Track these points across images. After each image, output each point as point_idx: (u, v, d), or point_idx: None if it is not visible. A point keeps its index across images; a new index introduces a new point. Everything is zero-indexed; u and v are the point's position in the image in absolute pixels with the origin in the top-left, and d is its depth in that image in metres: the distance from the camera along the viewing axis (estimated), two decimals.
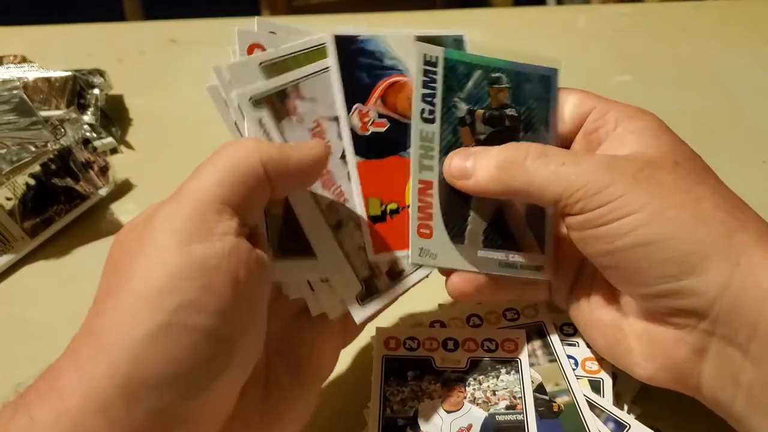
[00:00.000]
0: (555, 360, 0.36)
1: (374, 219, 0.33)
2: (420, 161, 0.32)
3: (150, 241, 0.25)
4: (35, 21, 0.82)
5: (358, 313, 0.32)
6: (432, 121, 0.33)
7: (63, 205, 0.51)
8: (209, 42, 0.77)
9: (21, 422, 0.23)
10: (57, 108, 0.57)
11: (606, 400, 0.34)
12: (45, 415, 0.23)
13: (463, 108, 0.34)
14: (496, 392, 0.35)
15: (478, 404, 0.34)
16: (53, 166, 0.51)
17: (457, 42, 0.35)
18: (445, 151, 0.33)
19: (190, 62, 0.74)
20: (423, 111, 0.33)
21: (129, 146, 0.62)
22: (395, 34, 0.34)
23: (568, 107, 0.35)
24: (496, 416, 0.34)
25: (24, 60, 0.64)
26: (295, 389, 0.32)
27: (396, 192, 0.33)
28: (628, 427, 0.33)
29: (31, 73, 0.61)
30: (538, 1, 1.62)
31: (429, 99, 0.33)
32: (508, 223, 0.34)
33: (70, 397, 0.23)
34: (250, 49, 0.31)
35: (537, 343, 0.37)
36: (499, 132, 0.34)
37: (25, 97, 0.54)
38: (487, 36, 0.79)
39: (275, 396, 0.31)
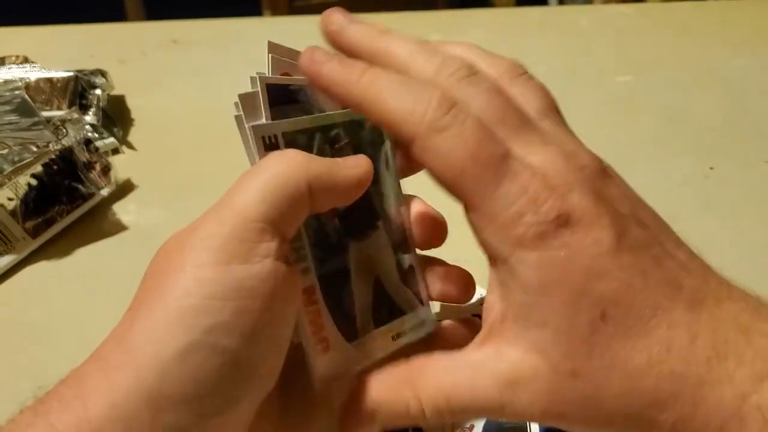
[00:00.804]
0: None
1: None
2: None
3: (188, 257, 0.24)
4: (37, 21, 0.82)
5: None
6: None
7: (65, 206, 0.51)
8: (211, 42, 0.77)
9: (40, 428, 0.22)
10: (59, 108, 0.57)
11: None
12: (65, 422, 0.22)
13: None
14: None
15: None
16: (55, 167, 0.51)
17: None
18: (314, 244, 0.28)
19: (192, 62, 0.74)
20: None
21: (131, 146, 0.62)
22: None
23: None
24: None
25: (26, 60, 0.64)
26: (309, 408, 0.31)
27: None
28: None
29: (33, 74, 0.61)
30: (539, 2, 1.62)
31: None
32: (385, 286, 0.31)
33: (94, 406, 0.22)
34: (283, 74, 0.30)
35: None
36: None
37: (27, 97, 0.54)
38: (488, 36, 0.79)
39: (291, 414, 0.31)
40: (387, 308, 0.31)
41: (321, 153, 0.30)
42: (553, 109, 0.28)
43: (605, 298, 0.23)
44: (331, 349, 0.28)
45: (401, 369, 0.27)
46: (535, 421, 0.27)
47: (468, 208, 0.25)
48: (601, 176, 0.25)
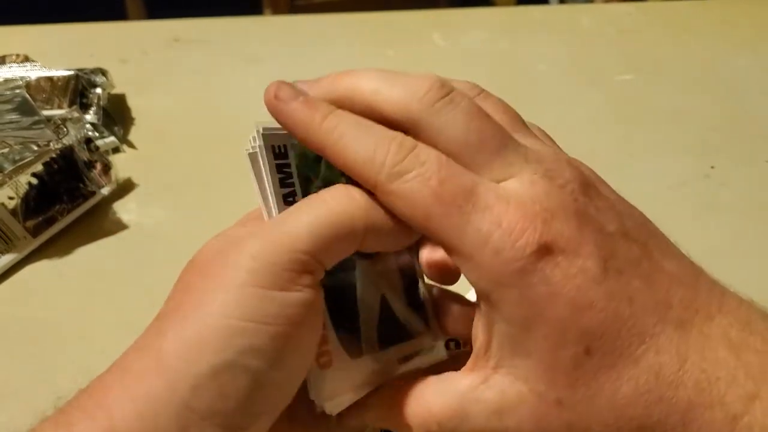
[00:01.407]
0: None
1: None
2: None
3: (231, 275, 0.24)
4: (38, 20, 0.82)
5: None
6: None
7: (65, 205, 0.51)
8: (212, 41, 0.77)
9: None
10: (59, 107, 0.57)
11: None
12: None
13: None
14: None
15: None
16: (56, 166, 0.51)
17: None
18: None
19: (193, 61, 0.74)
20: None
21: (131, 145, 0.62)
22: None
23: None
24: None
25: (26, 59, 0.64)
26: (310, 419, 0.31)
27: None
28: None
29: (33, 73, 0.61)
30: (541, 0, 1.62)
31: (290, 198, 0.27)
32: (392, 308, 0.30)
33: (121, 418, 0.22)
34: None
35: None
36: None
37: (27, 96, 0.54)
38: (489, 35, 0.79)
39: (298, 423, 0.31)
40: (394, 329, 0.30)
41: (329, 170, 0.29)
42: (521, 122, 0.27)
43: (590, 332, 0.22)
44: (334, 363, 0.27)
45: (394, 391, 0.27)
46: None
47: (444, 248, 0.24)
48: (583, 191, 0.24)
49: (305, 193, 0.27)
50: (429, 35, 0.79)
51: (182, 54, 0.76)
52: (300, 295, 0.24)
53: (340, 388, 0.28)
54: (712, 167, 0.56)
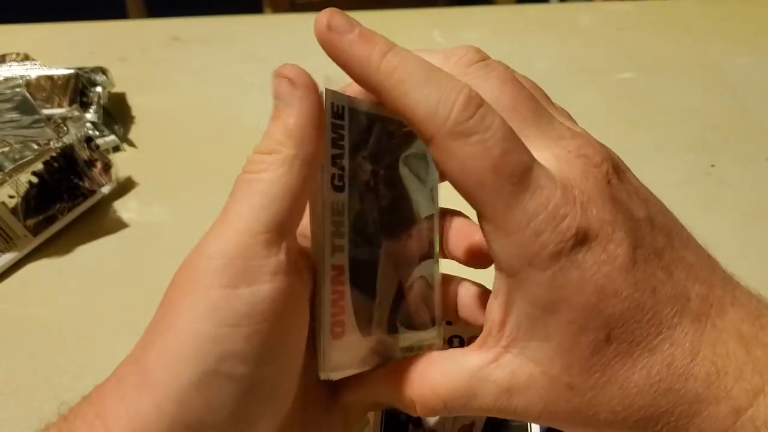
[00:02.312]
0: None
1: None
2: (332, 241, 0.26)
3: (197, 278, 0.23)
4: (38, 19, 0.82)
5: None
6: (342, 188, 0.26)
7: (66, 203, 0.51)
8: (212, 40, 0.77)
9: None
10: (59, 106, 0.57)
11: None
12: None
13: (367, 169, 0.28)
14: None
15: None
16: (56, 164, 0.51)
17: None
18: (353, 226, 0.27)
19: (193, 60, 0.74)
20: (333, 177, 0.26)
21: (132, 144, 0.62)
22: None
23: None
24: None
25: (26, 58, 0.64)
26: (327, 421, 0.31)
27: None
28: None
29: (33, 71, 0.61)
30: None
31: (338, 161, 0.26)
32: (405, 296, 0.30)
33: (115, 428, 0.22)
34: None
35: None
36: (399, 195, 0.29)
37: (27, 95, 0.54)
38: (489, 34, 0.79)
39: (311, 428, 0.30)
40: (403, 318, 0.30)
41: (379, 143, 0.28)
42: (550, 100, 0.27)
43: (613, 320, 0.22)
44: (345, 335, 0.27)
45: (399, 367, 0.27)
46: (529, 421, 0.27)
47: (481, 217, 0.23)
48: (615, 173, 0.24)
49: (352, 161, 0.27)
50: (429, 33, 0.79)
51: (182, 53, 0.76)
52: (270, 286, 0.23)
53: (348, 361, 0.27)
54: (713, 166, 0.56)
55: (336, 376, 0.27)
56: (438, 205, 0.31)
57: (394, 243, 0.29)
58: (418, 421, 0.33)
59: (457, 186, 0.23)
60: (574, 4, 0.92)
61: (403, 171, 0.29)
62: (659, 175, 0.55)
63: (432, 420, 0.33)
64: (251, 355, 0.23)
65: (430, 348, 0.30)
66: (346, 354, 0.27)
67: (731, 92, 0.66)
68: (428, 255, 0.31)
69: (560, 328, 0.23)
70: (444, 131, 0.22)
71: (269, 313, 0.23)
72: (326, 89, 0.26)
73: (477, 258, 0.30)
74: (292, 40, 0.78)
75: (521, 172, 0.22)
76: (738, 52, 0.73)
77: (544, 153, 0.23)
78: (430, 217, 0.31)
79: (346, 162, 0.26)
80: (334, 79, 0.26)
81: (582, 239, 0.22)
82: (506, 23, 0.81)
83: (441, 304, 0.31)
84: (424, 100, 0.22)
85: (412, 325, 0.30)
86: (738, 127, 0.62)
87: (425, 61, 0.23)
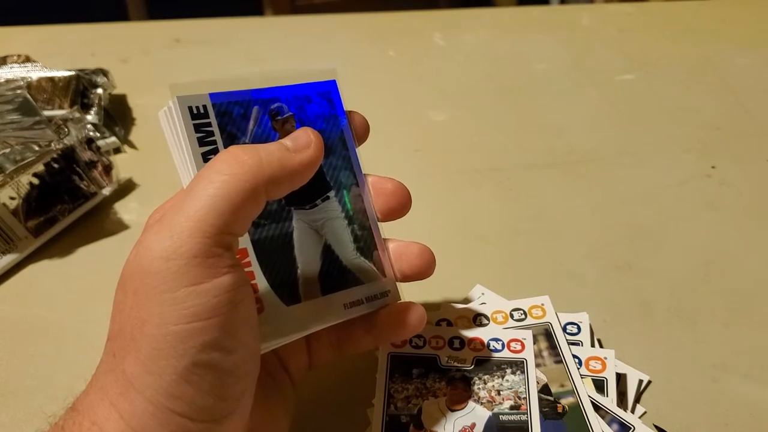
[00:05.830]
0: (561, 361, 0.36)
1: None
2: None
3: (156, 283, 0.24)
4: (39, 21, 0.82)
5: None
6: None
7: (67, 205, 0.51)
8: (213, 42, 0.77)
9: None
10: (60, 107, 0.57)
11: (609, 400, 0.34)
12: None
13: None
14: (501, 392, 0.35)
15: (482, 403, 0.34)
16: (57, 166, 0.51)
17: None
18: None
19: (194, 62, 0.74)
20: None
21: (132, 146, 0.62)
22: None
23: None
24: (500, 416, 0.34)
25: (27, 60, 0.64)
26: (277, 392, 0.33)
27: None
28: (632, 428, 0.33)
29: (34, 73, 0.61)
30: (541, 1, 1.62)
31: (211, 157, 0.28)
32: (338, 255, 0.31)
33: (115, 430, 0.23)
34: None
35: (543, 344, 0.37)
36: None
37: (28, 96, 0.54)
38: (490, 35, 0.79)
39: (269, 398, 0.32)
40: (339, 276, 0.31)
41: (262, 126, 0.30)
42: None
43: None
44: (265, 311, 0.29)
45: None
46: None
47: None
48: None
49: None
50: (430, 35, 0.79)
51: (183, 54, 0.76)
52: (229, 278, 0.25)
53: (272, 332, 0.29)
54: (713, 167, 0.56)
55: (267, 347, 0.29)
56: (361, 171, 0.33)
57: (309, 210, 0.31)
58: (419, 422, 0.34)
59: None
60: (575, 6, 0.92)
61: None
62: (659, 176, 0.55)
63: (433, 422, 0.34)
64: (226, 341, 0.25)
65: (381, 298, 0.32)
66: (270, 325, 0.29)
67: (732, 93, 0.66)
68: (361, 212, 0.33)
69: None
70: None
71: (232, 300, 0.25)
72: (177, 98, 0.27)
73: (390, 199, 0.33)
74: (292, 42, 0.78)
75: None
76: (738, 53, 0.73)
77: None
78: (356, 177, 0.33)
79: None
80: (180, 86, 0.28)
81: None
82: (507, 25, 0.81)
83: (389, 257, 0.33)
84: None
85: (355, 281, 0.32)
86: (739, 128, 0.62)
87: None
